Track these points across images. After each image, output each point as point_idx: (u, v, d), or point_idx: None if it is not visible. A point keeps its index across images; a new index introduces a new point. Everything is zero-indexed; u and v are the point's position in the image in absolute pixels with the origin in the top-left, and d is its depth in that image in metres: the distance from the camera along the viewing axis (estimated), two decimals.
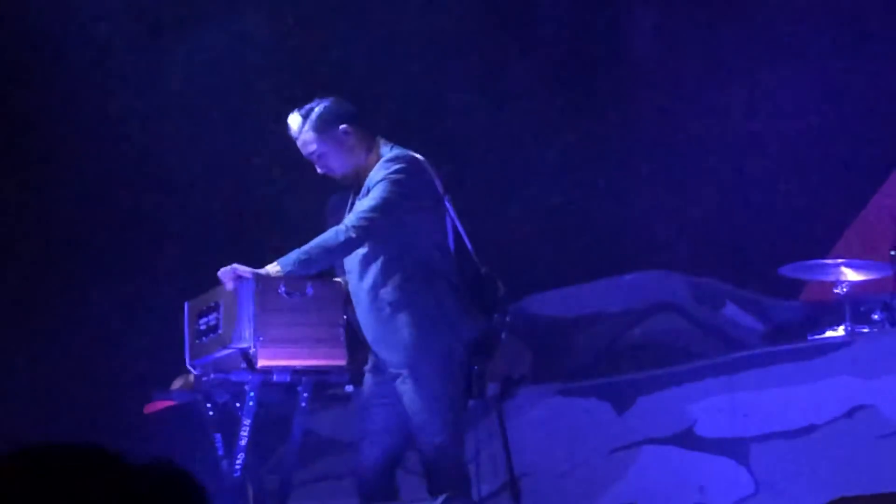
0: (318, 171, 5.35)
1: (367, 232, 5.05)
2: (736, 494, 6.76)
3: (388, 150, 5.27)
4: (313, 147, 5.27)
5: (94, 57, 7.98)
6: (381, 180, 5.14)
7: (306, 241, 5.10)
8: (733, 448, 6.81)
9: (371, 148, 5.30)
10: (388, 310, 5.17)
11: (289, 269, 4.99)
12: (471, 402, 6.72)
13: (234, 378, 5.14)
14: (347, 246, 5.08)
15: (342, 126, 5.25)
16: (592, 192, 9.00)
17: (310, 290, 5.04)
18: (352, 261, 5.24)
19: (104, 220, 7.99)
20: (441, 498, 5.03)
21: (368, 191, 5.16)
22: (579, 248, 8.78)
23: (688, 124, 9.15)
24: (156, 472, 2.14)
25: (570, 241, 8.79)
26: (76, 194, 8.01)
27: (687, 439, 6.92)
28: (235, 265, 5.03)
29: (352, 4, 8.65)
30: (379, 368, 5.23)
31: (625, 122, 9.13)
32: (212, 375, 5.23)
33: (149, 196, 8.10)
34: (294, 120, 5.29)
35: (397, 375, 5.18)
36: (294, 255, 5.03)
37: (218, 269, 5.07)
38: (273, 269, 5.02)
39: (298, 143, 5.31)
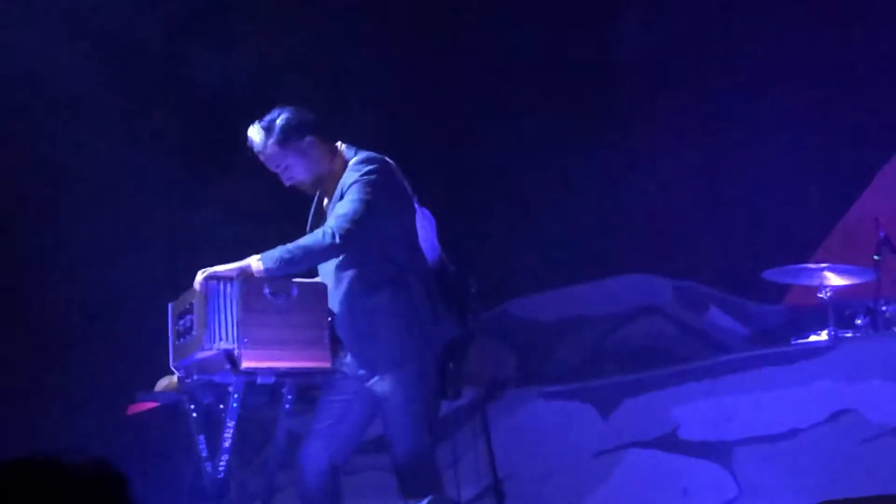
0: (285, 183, 5.31)
1: (352, 237, 5.02)
2: (719, 498, 6.80)
3: (352, 154, 5.24)
4: (279, 161, 5.24)
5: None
6: (355, 182, 5.10)
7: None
8: (717, 451, 6.86)
9: (334, 154, 5.27)
10: (365, 315, 5.14)
11: (270, 265, 4.95)
12: (455, 405, 6.73)
13: (218, 380, 5.09)
14: (332, 250, 5.04)
15: (307, 138, 5.21)
16: (577, 195, 8.99)
17: (295, 292, 5.00)
18: (326, 266, 5.21)
19: (85, 219, 7.96)
20: (426, 500, 5.00)
21: (342, 194, 5.13)
22: (564, 252, 8.78)
23: (673, 130, 9.16)
24: (89, 471, 2.31)
25: (555, 245, 8.78)
26: (54, 191, 7.97)
27: (670, 443, 6.95)
28: (214, 268, 4.98)
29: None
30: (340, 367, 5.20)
31: (610, 127, 9.14)
32: (196, 377, 5.19)
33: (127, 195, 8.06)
34: (256, 133, 5.23)
35: (370, 377, 5.15)
36: (278, 252, 4.99)
37: (200, 268, 5.04)
38: (255, 263, 4.97)
39: (263, 158, 5.26)
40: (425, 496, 5.06)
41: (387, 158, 5.25)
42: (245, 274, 4.95)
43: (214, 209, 8.00)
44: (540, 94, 9.13)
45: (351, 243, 5.01)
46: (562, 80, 9.17)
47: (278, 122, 5.21)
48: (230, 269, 4.96)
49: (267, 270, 4.94)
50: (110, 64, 8.08)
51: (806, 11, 9.08)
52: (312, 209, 5.37)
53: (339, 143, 5.30)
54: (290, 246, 5.02)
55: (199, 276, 4.97)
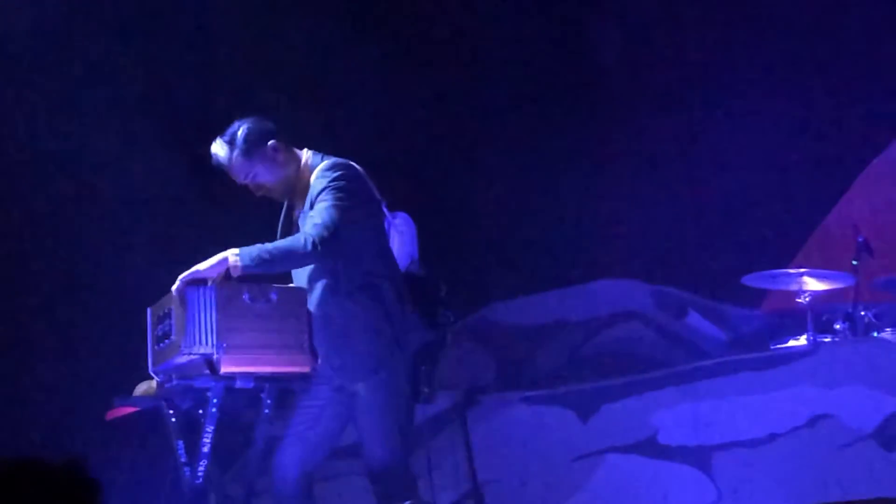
0: (256, 193, 5.33)
1: (329, 244, 5.03)
2: (698, 503, 6.78)
3: (318, 160, 5.26)
4: (246, 171, 5.26)
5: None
6: (325, 189, 5.12)
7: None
8: (696, 456, 6.88)
9: (299, 159, 5.30)
10: (337, 322, 5.15)
11: (247, 263, 4.95)
12: (432, 411, 6.74)
13: (197, 384, 5.10)
14: (310, 257, 5.06)
15: (270, 143, 5.23)
16: (557, 200, 9.01)
17: (274, 297, 5.00)
18: (298, 273, 5.22)
19: (67, 223, 7.93)
20: None
21: (312, 202, 5.14)
22: (544, 257, 8.80)
23: (652, 137, 9.19)
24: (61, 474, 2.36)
25: (535, 250, 8.80)
26: (34, 199, 7.93)
27: (650, 448, 6.97)
28: (193, 268, 4.97)
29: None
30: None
31: (591, 133, 9.17)
32: (174, 381, 5.18)
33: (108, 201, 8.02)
34: (220, 149, 5.25)
35: (343, 383, 5.15)
36: (256, 251, 4.99)
37: (183, 271, 5.03)
38: (232, 258, 4.95)
39: (231, 173, 5.29)
40: (401, 502, 5.05)
41: (353, 163, 5.26)
42: (221, 277, 4.94)
43: (201, 213, 7.98)
44: (522, 102, 9.15)
45: (328, 250, 5.02)
46: (543, 89, 9.19)
47: (240, 133, 5.24)
48: (208, 266, 4.95)
49: (244, 268, 4.94)
50: (103, 64, 8.06)
51: (785, 20, 9.12)
52: (282, 217, 5.39)
53: (305, 150, 5.31)
54: (268, 246, 5.02)
55: (178, 282, 4.97)
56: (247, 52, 8.45)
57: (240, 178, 5.28)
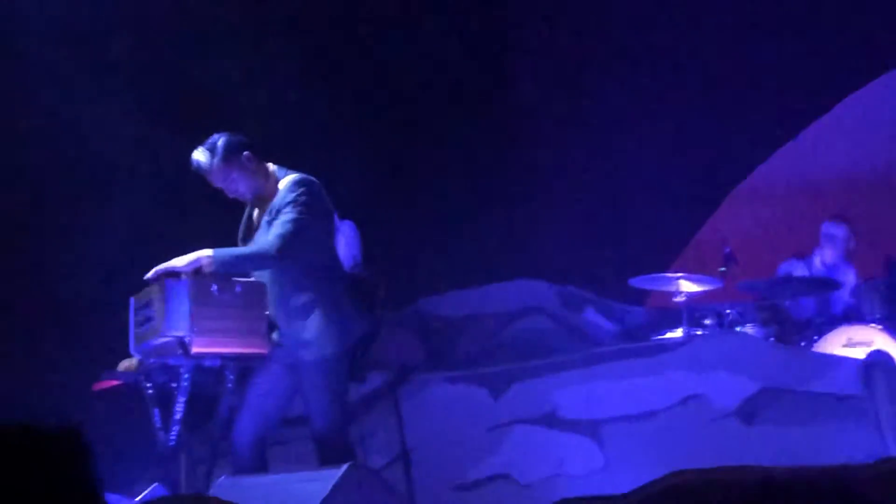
0: (229, 196, 5.51)
1: (288, 253, 5.24)
2: (589, 467, 6.94)
3: (283, 174, 5.46)
4: (225, 176, 5.40)
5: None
6: (290, 202, 5.31)
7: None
8: (588, 428, 6.99)
9: (267, 171, 5.48)
10: (298, 312, 5.39)
11: (219, 266, 5.13)
12: (366, 390, 6.86)
13: (171, 362, 5.23)
14: (271, 263, 5.28)
15: (245, 153, 5.42)
16: (480, 213, 9.08)
17: (238, 289, 5.17)
18: (263, 273, 5.41)
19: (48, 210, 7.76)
20: (345, 466, 5.11)
21: (278, 212, 5.32)
22: (467, 260, 8.87)
23: (558, 154, 9.26)
24: (53, 442, 2.22)
25: (459, 254, 8.87)
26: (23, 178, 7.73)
27: (550, 420, 7.06)
28: (168, 263, 5.15)
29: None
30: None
31: (509, 148, 9.20)
32: (152, 360, 5.34)
33: (92, 187, 7.82)
34: (201, 155, 5.38)
35: (294, 362, 5.38)
36: (228, 255, 5.17)
37: (157, 264, 5.20)
38: (206, 257, 5.14)
39: (211, 177, 5.44)
40: (341, 463, 5.21)
41: (314, 179, 5.48)
42: (193, 274, 5.11)
43: (182, 204, 7.89)
44: (446, 113, 9.10)
45: (287, 257, 5.24)
46: (467, 102, 9.12)
47: (219, 143, 5.41)
48: (184, 263, 5.14)
49: (216, 269, 5.12)
50: (94, 68, 7.82)
51: (677, 36, 9.18)
52: (244, 219, 5.59)
53: (270, 164, 5.53)
54: (236, 252, 5.25)
55: (152, 273, 5.16)
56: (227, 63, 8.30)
57: (217, 182, 5.47)
